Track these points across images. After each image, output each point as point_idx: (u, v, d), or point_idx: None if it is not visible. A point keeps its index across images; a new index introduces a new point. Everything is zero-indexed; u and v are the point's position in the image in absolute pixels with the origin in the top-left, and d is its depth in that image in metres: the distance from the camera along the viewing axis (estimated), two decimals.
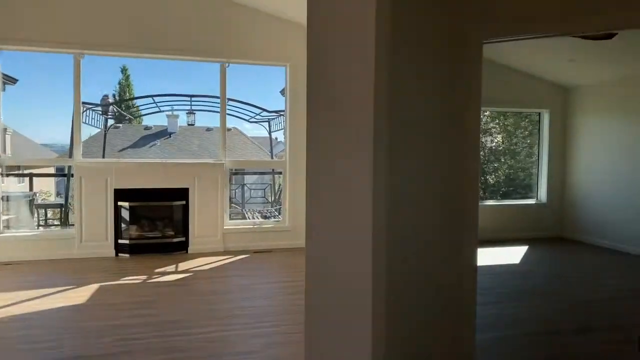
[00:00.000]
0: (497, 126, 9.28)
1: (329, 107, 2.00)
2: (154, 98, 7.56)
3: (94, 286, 4.62)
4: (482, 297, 4.51)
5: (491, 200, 8.24)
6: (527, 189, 8.32)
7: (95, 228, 5.81)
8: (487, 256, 6.28)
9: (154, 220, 6.13)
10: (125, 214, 5.96)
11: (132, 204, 5.94)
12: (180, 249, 6.07)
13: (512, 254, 6.45)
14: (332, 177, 2.00)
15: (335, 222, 2.02)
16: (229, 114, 7.43)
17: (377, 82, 1.87)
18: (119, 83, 19.29)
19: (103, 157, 10.79)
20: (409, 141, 2.68)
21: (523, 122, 8.65)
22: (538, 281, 5.19)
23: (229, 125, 7.11)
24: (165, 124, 16.97)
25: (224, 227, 6.24)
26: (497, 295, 4.67)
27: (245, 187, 9.02)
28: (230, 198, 9.22)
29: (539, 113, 7.80)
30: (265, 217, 8.34)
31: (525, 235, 7.52)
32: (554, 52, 6.35)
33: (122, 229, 5.94)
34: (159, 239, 6.05)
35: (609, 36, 5.21)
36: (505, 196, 8.65)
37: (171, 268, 5.40)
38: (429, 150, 2.89)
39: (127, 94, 19.58)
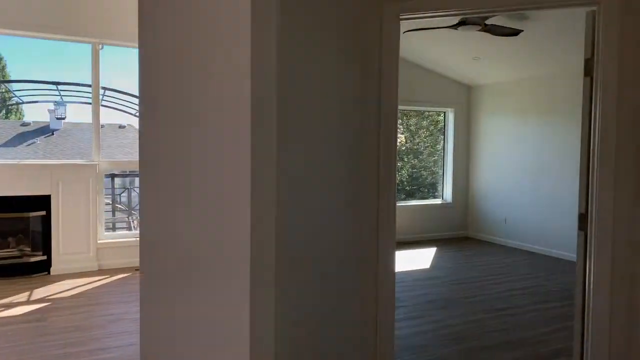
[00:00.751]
0: (401, 126, 9.19)
1: (180, 99, 1.21)
2: (6, 85, 6.06)
3: None
4: (397, 309, 3.99)
5: (400, 202, 7.91)
6: (429, 188, 8.17)
7: None
8: (398, 261, 5.84)
9: (4, 236, 4.84)
10: None
11: None
12: (40, 270, 4.85)
13: (422, 258, 6.09)
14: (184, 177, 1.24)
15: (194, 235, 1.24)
16: (108, 107, 6.28)
17: (254, 64, 1.11)
18: None
19: None
20: (308, 135, 2.00)
21: (425, 122, 8.51)
22: (453, 288, 4.81)
23: (122, 122, 5.96)
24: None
25: (99, 241, 5.11)
26: (414, 306, 4.18)
27: (134, 192, 7.82)
28: (115, 205, 7.95)
29: (444, 112, 7.61)
30: None
31: (433, 236, 7.27)
32: (460, 49, 6.10)
33: None
34: (11, 259, 4.78)
35: (515, 33, 5.01)
36: (410, 195, 8.44)
37: (22, 297, 4.21)
38: (335, 146, 2.25)
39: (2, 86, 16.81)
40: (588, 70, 2.39)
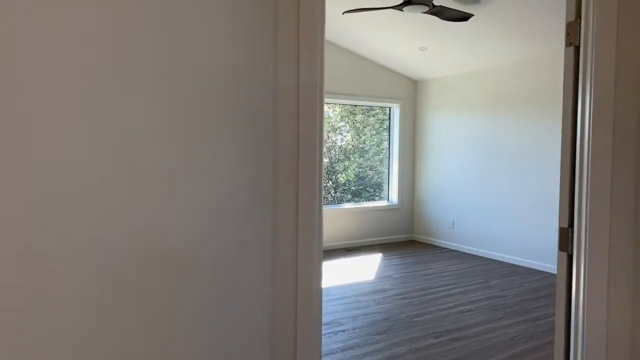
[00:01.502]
0: (347, 125, 8.59)
1: None
2: None
3: None
4: (335, 335, 3.27)
5: (345, 204, 7.26)
6: (375, 188, 7.59)
7: None
8: (337, 273, 5.15)
9: None
10: None
11: None
12: None
13: (367, 267, 5.43)
14: None
15: None
16: None
17: None
18: None
19: None
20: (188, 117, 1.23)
21: (372, 119, 7.92)
22: (399, 304, 4.14)
23: None
24: None
25: None
26: (354, 331, 3.47)
27: None
28: None
29: (389, 108, 7.01)
30: None
31: (378, 240, 6.66)
32: (405, 38, 5.48)
33: None
34: None
35: (465, 17, 4.44)
36: (356, 195, 7.82)
37: None
38: (233, 132, 1.49)
39: None
40: (571, 37, 1.75)
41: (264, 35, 1.57)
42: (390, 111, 6.97)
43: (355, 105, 7.61)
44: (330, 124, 8.51)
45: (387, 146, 7.12)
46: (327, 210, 6.37)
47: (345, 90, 6.21)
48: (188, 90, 1.40)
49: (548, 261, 5.18)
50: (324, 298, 4.28)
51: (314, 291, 1.80)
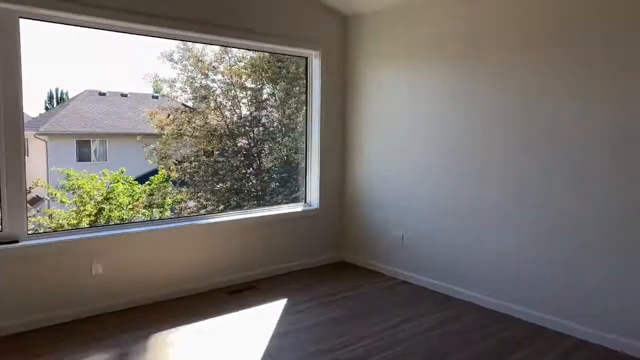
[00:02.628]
0: (272, 98, 6.88)
1: None
2: None
3: None
4: None
5: (237, 213, 4.68)
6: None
7: None
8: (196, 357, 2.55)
9: None
10: None
11: None
12: None
13: (248, 340, 2.89)
14: None
15: None
16: None
17: None
18: None
19: None
20: None
21: (296, 88, 5.84)
22: None
23: None
24: None
25: None
26: None
27: None
28: None
29: (305, 58, 4.39)
30: None
31: (287, 268, 4.15)
32: None
33: None
34: None
35: None
36: (282, 184, 6.28)
37: None
38: None
39: None
40: None
41: None
42: (307, 63, 4.37)
43: (268, 56, 5.03)
44: (253, 100, 6.60)
45: (304, 118, 4.57)
46: (199, 226, 3.69)
47: (222, 21, 3.58)
48: None
49: (568, 316, 2.89)
50: None
51: None
